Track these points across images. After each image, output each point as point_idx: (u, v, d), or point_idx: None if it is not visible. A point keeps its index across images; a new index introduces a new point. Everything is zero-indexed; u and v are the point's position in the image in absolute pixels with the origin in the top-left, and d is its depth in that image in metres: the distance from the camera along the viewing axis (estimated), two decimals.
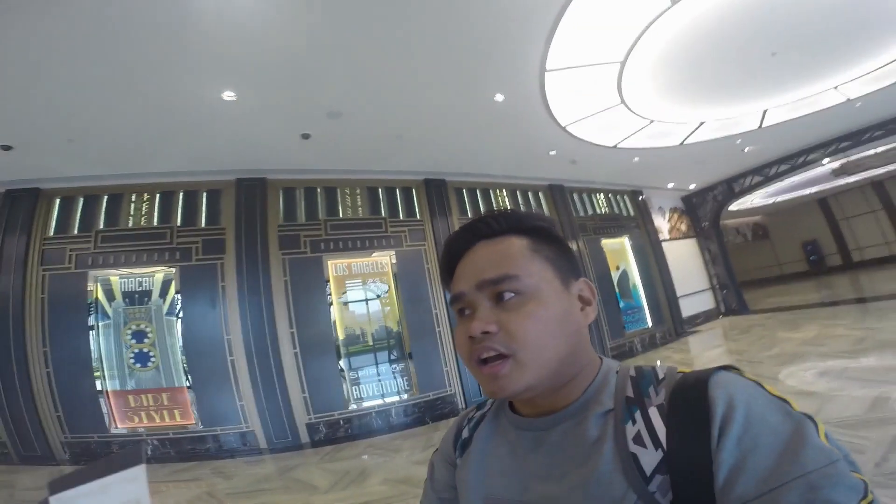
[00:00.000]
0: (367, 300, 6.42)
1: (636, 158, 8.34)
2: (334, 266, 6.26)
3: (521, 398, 0.63)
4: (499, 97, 4.95)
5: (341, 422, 5.86)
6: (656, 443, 0.51)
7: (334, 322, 6.12)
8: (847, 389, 4.04)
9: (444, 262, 0.70)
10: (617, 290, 9.42)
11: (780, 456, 0.43)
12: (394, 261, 6.62)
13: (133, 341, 5.57)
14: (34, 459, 5.13)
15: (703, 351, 8.25)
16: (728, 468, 0.44)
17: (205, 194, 5.94)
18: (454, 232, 0.69)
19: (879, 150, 10.22)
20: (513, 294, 0.59)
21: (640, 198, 10.96)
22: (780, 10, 4.40)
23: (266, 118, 4.62)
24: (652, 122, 6.57)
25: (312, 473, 4.56)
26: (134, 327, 5.58)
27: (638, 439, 0.52)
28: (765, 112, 7.27)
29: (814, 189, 14.89)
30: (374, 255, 6.53)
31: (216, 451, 5.45)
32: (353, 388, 6.10)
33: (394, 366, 6.35)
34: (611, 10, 3.88)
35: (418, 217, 7.05)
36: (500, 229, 0.65)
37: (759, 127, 7.86)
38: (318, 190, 6.46)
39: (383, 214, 6.80)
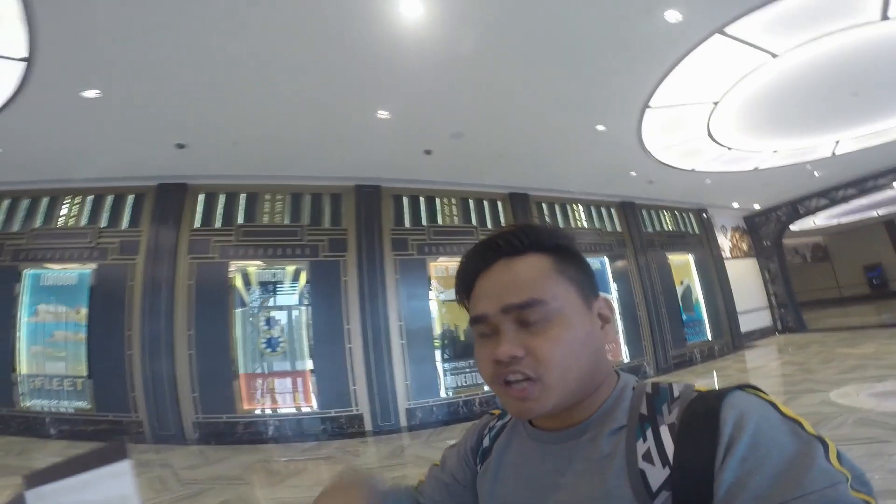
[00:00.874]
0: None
1: (708, 181, 8.83)
2: (435, 268, 7.07)
3: (543, 417, 0.63)
4: (600, 127, 5.65)
5: (434, 408, 6.61)
6: (664, 460, 0.51)
7: (434, 318, 6.92)
8: None
9: (461, 278, 0.68)
10: (680, 303, 9.88)
11: (783, 476, 0.42)
12: None
13: (265, 327, 6.35)
14: (167, 439, 5.65)
15: (760, 363, 8.63)
16: (728, 486, 0.44)
17: (328, 198, 6.83)
18: (472, 248, 0.68)
19: None
20: (538, 318, 0.58)
21: (703, 216, 11.35)
22: (862, 57, 4.90)
23: (402, 135, 5.45)
24: (731, 149, 7.10)
25: (429, 451, 5.16)
26: (267, 315, 6.39)
27: (647, 456, 0.53)
28: (837, 142, 7.65)
29: (880, 211, 14.77)
30: None
31: (330, 433, 6.10)
32: (445, 378, 6.87)
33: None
34: (718, 58, 4.52)
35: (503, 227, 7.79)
36: (521, 247, 0.64)
37: (832, 155, 8.21)
38: (422, 199, 7.30)
39: (474, 223, 7.57)
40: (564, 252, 0.65)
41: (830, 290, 18.44)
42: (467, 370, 6.97)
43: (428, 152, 5.99)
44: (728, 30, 4.01)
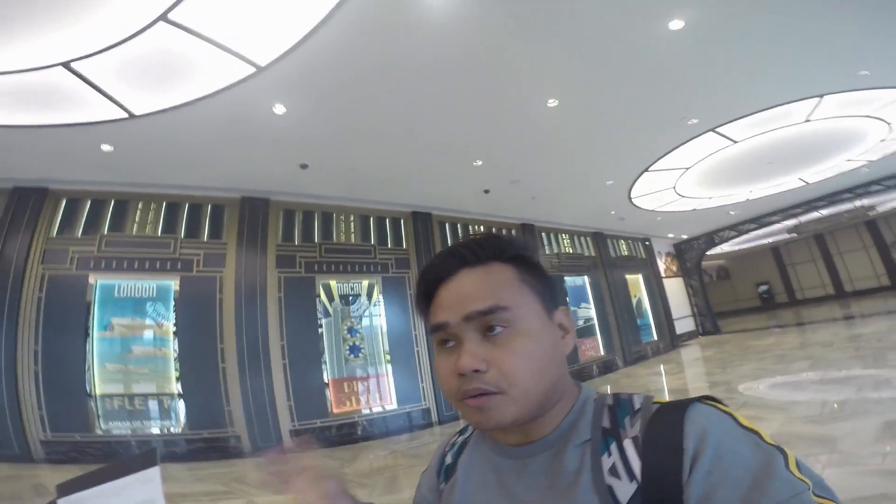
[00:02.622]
0: None
1: (659, 218, 11.64)
2: None
3: (504, 430, 0.60)
4: (609, 182, 8.02)
5: None
6: (631, 475, 0.51)
7: None
8: (797, 363, 7.13)
9: (421, 287, 0.66)
10: (635, 311, 12.58)
11: (748, 488, 0.43)
12: None
13: (348, 335, 7.14)
14: (267, 451, 6.52)
15: (694, 356, 11.39)
16: (696, 499, 0.45)
17: (388, 221, 8.31)
18: (434, 256, 0.65)
19: (823, 212, 14.08)
20: (502, 327, 0.57)
21: (647, 243, 14.29)
22: (781, 141, 7.65)
23: (462, 179, 7.32)
24: (683, 197, 9.86)
25: None
26: (349, 324, 7.19)
27: (613, 471, 0.52)
28: (751, 191, 10.74)
29: (769, 240, 18.93)
30: None
31: (406, 427, 6.84)
32: None
33: None
34: (703, 143, 7.02)
35: None
36: (484, 256, 0.62)
37: (745, 200, 11.36)
38: (471, 227, 9.14)
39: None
40: (527, 263, 0.64)
41: (730, 303, 22.62)
42: None
43: (486, 191, 7.95)
44: (720, 129, 6.55)
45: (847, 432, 3.64)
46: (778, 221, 14.06)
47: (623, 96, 5.27)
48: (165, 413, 5.78)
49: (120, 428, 5.57)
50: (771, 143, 7.53)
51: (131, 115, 4.50)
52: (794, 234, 17.37)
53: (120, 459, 0.56)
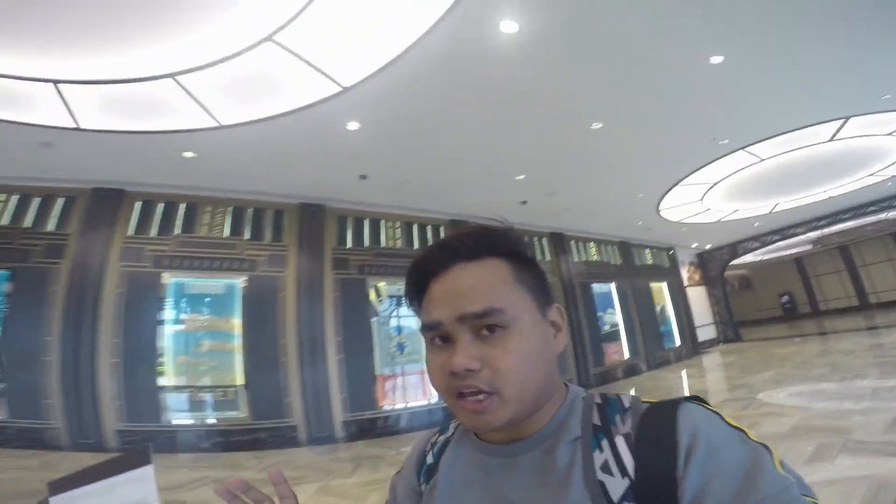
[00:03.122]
0: None
1: (684, 229, 12.00)
2: None
3: (498, 430, 0.59)
4: (640, 195, 8.47)
5: None
6: (623, 471, 0.51)
7: None
8: (817, 370, 7.46)
9: (413, 280, 0.64)
10: (658, 319, 12.95)
11: (740, 482, 0.45)
12: None
13: (395, 334, 7.62)
14: (322, 440, 6.18)
15: (716, 362, 11.70)
16: (692, 494, 0.46)
17: (429, 228, 8.76)
18: (427, 248, 0.64)
19: (848, 224, 14.27)
20: (496, 327, 0.56)
21: (671, 252, 14.63)
22: (806, 157, 8.00)
23: (502, 190, 7.84)
24: (709, 209, 10.23)
25: None
26: (395, 322, 7.64)
27: (605, 467, 0.53)
28: (776, 204, 11.06)
29: (792, 251, 19.03)
30: None
31: (445, 419, 8.15)
32: None
33: None
34: (731, 160, 7.44)
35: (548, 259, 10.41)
36: (478, 251, 0.61)
37: (769, 212, 11.67)
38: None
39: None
40: (521, 258, 0.63)
41: (752, 312, 22.66)
42: None
43: (524, 202, 8.44)
44: (749, 148, 6.98)
45: (861, 424, 4.07)
46: (802, 233, 14.28)
47: (661, 119, 5.74)
48: (230, 404, 6.26)
49: (188, 418, 6.08)
50: (798, 160, 7.91)
51: (219, 125, 5.03)
52: (819, 246, 17.46)
53: (112, 458, 0.56)
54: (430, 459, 0.73)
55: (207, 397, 6.19)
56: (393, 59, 4.16)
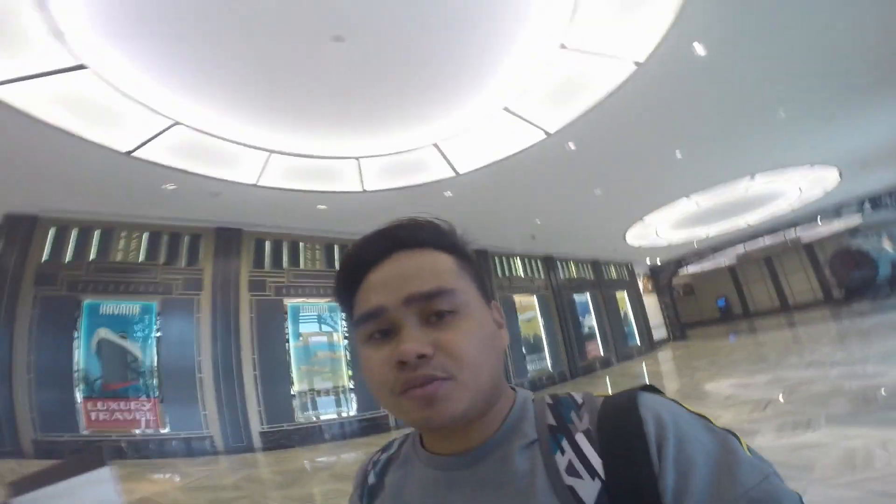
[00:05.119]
0: None
1: (642, 251, 15.38)
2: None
3: (452, 426, 0.52)
4: (613, 227, 11.61)
5: None
6: (592, 472, 0.47)
7: None
8: (749, 350, 10.74)
9: (347, 271, 0.58)
10: (622, 321, 16.21)
11: (717, 475, 0.42)
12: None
13: None
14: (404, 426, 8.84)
15: (668, 355, 14.96)
16: (672, 491, 0.43)
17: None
18: (363, 238, 0.59)
19: (767, 241, 18.18)
20: (448, 311, 0.52)
21: (628, 267, 18.04)
22: (732, 197, 11.41)
23: (515, 228, 10.76)
24: (659, 237, 13.62)
25: None
26: None
27: (571, 470, 0.48)
28: (708, 232, 14.61)
29: (727, 262, 23.13)
30: None
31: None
32: None
33: None
34: (671, 208, 10.70)
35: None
36: (422, 240, 0.58)
37: (706, 237, 15.26)
38: (512, 261, 12.58)
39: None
40: (463, 253, 0.60)
41: (695, 315, 26.62)
42: None
43: (533, 237, 11.39)
44: (692, 196, 10.24)
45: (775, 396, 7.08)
46: (731, 248, 18.16)
47: (638, 183, 8.75)
48: (340, 402, 7.90)
49: (312, 416, 7.52)
50: (726, 200, 11.29)
51: (457, 174, 6.71)
52: (747, 258, 21.67)
53: (67, 460, 0.53)
54: (371, 479, 0.66)
55: (324, 397, 7.80)
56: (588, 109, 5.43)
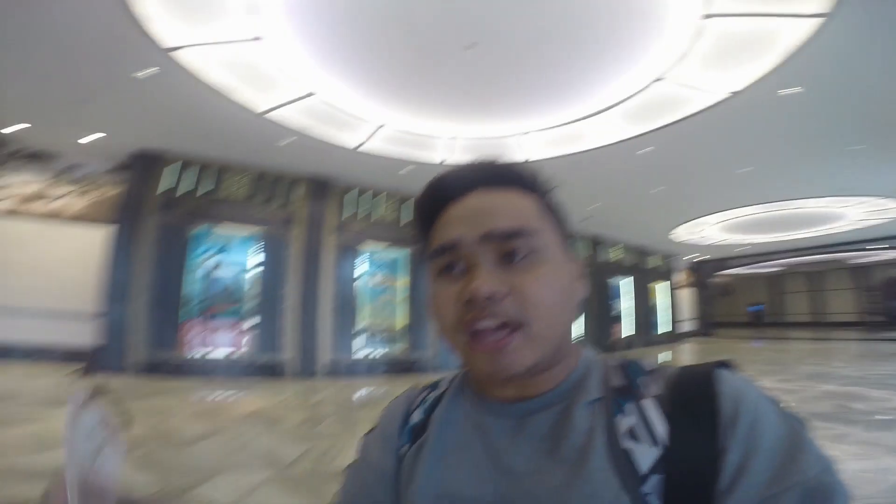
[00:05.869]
0: None
1: (687, 245, 15.63)
2: None
3: (516, 379, 0.51)
4: (665, 223, 11.96)
5: None
6: (654, 438, 0.45)
7: None
8: (766, 355, 11.21)
9: (425, 203, 0.56)
10: (652, 310, 16.73)
11: (781, 460, 0.40)
12: None
13: None
14: (446, 365, 8.26)
15: (690, 349, 15.45)
16: (733, 469, 0.41)
17: None
18: (443, 173, 0.56)
19: (815, 258, 18.08)
20: (526, 253, 0.49)
21: (670, 259, 18.29)
22: (785, 214, 11.58)
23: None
24: (706, 238, 13.87)
25: None
26: None
27: (632, 434, 0.46)
28: (756, 239, 14.69)
29: (768, 270, 22.96)
30: None
31: None
32: None
33: None
34: (724, 214, 10.96)
35: None
36: (505, 179, 0.54)
37: (752, 244, 15.34)
38: None
39: None
40: (550, 196, 0.57)
41: (726, 315, 26.64)
42: None
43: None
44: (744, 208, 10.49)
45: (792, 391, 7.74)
46: (777, 260, 18.06)
47: (699, 170, 9.08)
48: (395, 339, 8.92)
49: (368, 351, 8.59)
50: (782, 214, 11.46)
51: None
52: (790, 269, 21.44)
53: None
54: (416, 418, 0.63)
55: (382, 335, 8.68)
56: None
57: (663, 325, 17.33)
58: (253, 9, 4.00)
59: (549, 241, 0.51)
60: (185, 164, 7.40)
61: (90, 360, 6.57)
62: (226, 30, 4.27)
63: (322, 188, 8.38)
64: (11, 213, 7.32)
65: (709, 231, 13.34)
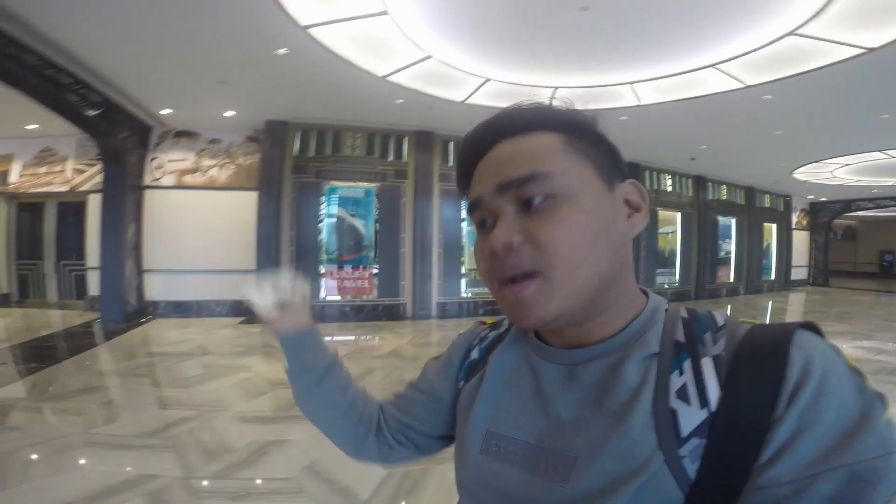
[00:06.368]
0: None
1: (807, 185, 14.28)
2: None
3: (549, 327, 0.53)
4: (783, 164, 11.06)
5: None
6: (703, 400, 0.43)
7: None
8: (888, 308, 10.30)
9: (460, 165, 0.58)
10: (763, 253, 15.70)
11: (837, 439, 0.37)
12: None
13: None
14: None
15: (800, 299, 14.45)
16: (780, 444, 0.38)
17: None
18: (471, 131, 0.57)
19: None
20: (543, 197, 0.48)
21: (787, 198, 16.79)
22: None
23: (680, 151, 10.76)
24: (835, 178, 12.60)
25: None
26: None
27: (682, 393, 0.44)
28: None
29: None
30: None
31: None
32: None
33: None
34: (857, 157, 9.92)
35: None
36: (524, 126, 0.52)
37: (892, 184, 13.66)
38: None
39: None
40: (581, 129, 0.53)
41: (849, 264, 24.21)
42: None
43: (692, 158, 11.32)
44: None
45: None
46: None
47: (827, 116, 8.10)
48: None
49: (473, 292, 9.11)
50: None
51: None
52: None
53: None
54: (475, 355, 0.66)
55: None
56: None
57: (774, 271, 16.29)
58: None
59: (571, 179, 0.49)
60: (307, 129, 8.22)
61: (250, 313, 7.71)
62: (355, 5, 4.62)
63: (427, 140, 8.75)
64: (176, 186, 8.34)
65: (837, 173, 12.15)
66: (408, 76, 6.23)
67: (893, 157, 10.12)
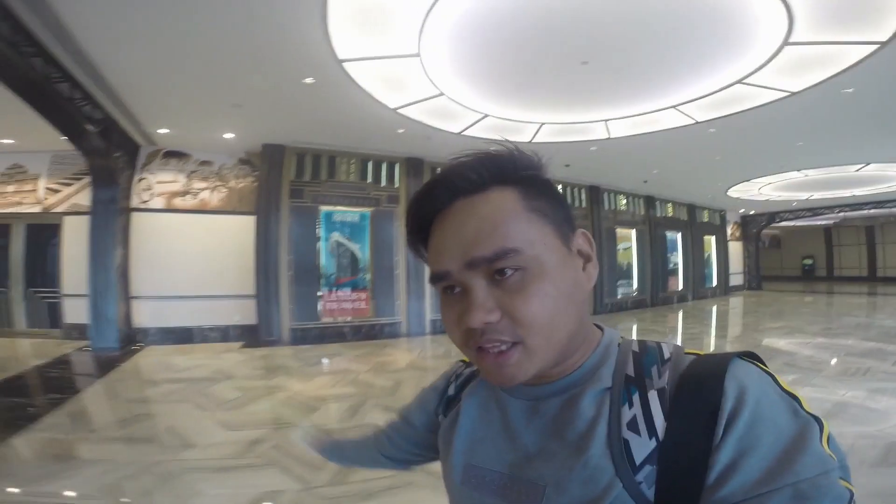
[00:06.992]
0: None
1: (739, 201, 16.01)
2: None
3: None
4: (719, 183, 12.50)
5: None
6: (651, 431, 0.47)
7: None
8: (812, 306, 11.91)
9: (414, 222, 0.57)
10: (705, 263, 17.34)
11: (776, 460, 0.40)
12: None
13: None
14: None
15: (740, 301, 16.09)
16: (722, 467, 0.41)
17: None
18: (423, 186, 0.55)
19: (870, 211, 18.19)
20: (513, 270, 0.49)
21: (722, 213, 18.66)
22: (839, 174, 11.96)
23: (628, 173, 11.98)
24: (762, 194, 14.29)
25: None
26: None
27: (632, 425, 0.48)
28: (811, 195, 15.00)
29: (823, 222, 22.92)
30: None
31: None
32: None
33: None
34: (779, 176, 11.45)
35: None
36: (481, 182, 0.52)
37: (807, 198, 15.63)
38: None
39: None
40: (533, 183, 0.54)
41: (776, 269, 26.86)
42: None
43: (645, 181, 12.55)
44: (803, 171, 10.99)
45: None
46: (830, 213, 18.29)
47: (757, 144, 9.64)
48: None
49: None
50: (836, 176, 11.91)
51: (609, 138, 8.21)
52: (846, 221, 21.60)
53: None
54: (451, 391, 0.71)
55: None
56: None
57: (716, 279, 18.02)
58: (420, 30, 4.60)
59: (538, 249, 0.50)
60: (302, 154, 8.42)
61: (250, 336, 7.98)
62: (393, 45, 4.92)
63: (418, 166, 9.29)
64: (166, 209, 8.14)
65: (763, 190, 13.92)
66: (416, 109, 6.78)
67: (807, 176, 11.87)
